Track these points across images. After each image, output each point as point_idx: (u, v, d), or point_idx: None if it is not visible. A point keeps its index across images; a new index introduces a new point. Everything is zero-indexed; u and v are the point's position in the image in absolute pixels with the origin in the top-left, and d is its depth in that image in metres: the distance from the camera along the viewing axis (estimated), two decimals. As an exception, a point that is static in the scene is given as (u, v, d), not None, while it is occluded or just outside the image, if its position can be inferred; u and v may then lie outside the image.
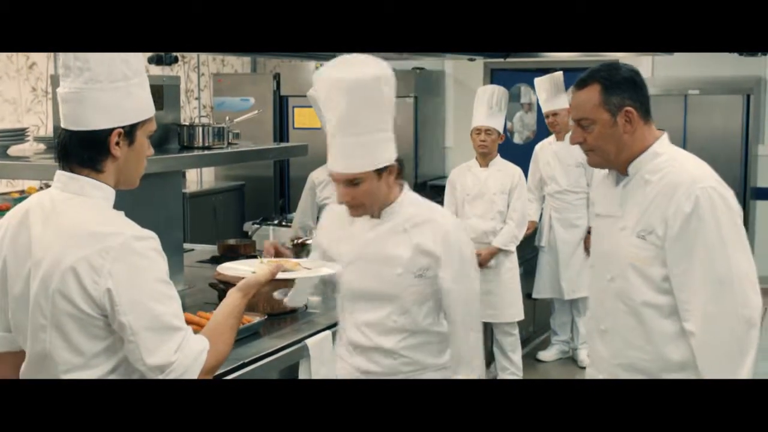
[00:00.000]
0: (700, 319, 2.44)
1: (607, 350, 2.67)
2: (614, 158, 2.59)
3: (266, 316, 3.44)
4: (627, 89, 2.55)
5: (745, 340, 2.43)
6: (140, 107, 2.17)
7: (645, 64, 8.70)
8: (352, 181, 2.67)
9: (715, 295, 2.43)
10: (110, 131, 2.11)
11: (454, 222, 2.86)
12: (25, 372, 2.17)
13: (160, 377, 2.05)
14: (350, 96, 2.59)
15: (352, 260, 2.80)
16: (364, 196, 2.69)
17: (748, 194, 8.35)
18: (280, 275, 2.40)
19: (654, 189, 2.52)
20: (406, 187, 2.85)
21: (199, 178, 8.61)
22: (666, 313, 2.52)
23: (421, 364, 2.81)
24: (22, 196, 5.34)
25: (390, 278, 2.75)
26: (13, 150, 3.71)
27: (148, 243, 2.08)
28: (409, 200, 2.82)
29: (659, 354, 2.54)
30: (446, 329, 2.84)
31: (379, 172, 2.68)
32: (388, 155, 2.70)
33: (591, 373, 2.78)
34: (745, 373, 2.43)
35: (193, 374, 2.07)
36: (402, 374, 2.79)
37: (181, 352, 2.06)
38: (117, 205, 2.18)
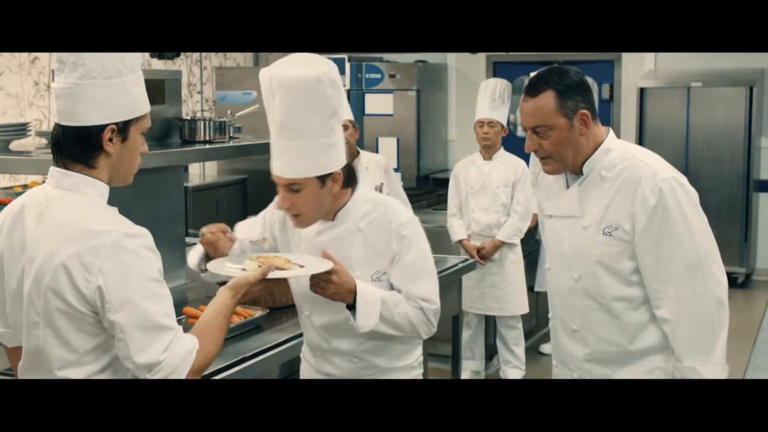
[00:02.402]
0: (673, 305, 2.50)
1: (578, 349, 2.69)
2: (571, 162, 2.61)
3: (268, 310, 3.43)
4: (579, 92, 2.57)
5: (717, 319, 2.50)
6: (134, 104, 2.15)
7: (648, 56, 8.68)
8: (291, 187, 2.49)
9: (687, 280, 2.49)
10: (103, 127, 2.10)
11: (409, 216, 2.66)
12: (22, 368, 2.17)
13: (148, 376, 2.04)
14: (290, 97, 2.42)
15: None
16: (303, 205, 2.51)
17: (750, 187, 8.34)
18: (272, 274, 2.36)
19: (613, 185, 2.56)
20: (359, 186, 2.66)
21: (201, 172, 8.61)
22: (636, 304, 2.58)
23: (381, 368, 2.70)
24: (24, 191, 5.33)
25: None
26: (15, 145, 3.71)
27: (140, 240, 2.06)
28: (362, 198, 2.65)
29: (631, 344, 2.60)
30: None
31: (322, 179, 2.49)
32: (331, 163, 2.50)
33: (562, 372, 2.78)
34: (719, 352, 2.50)
35: (181, 374, 2.07)
36: (362, 378, 2.68)
37: (169, 351, 2.05)
38: (119, 200, 2.17)
